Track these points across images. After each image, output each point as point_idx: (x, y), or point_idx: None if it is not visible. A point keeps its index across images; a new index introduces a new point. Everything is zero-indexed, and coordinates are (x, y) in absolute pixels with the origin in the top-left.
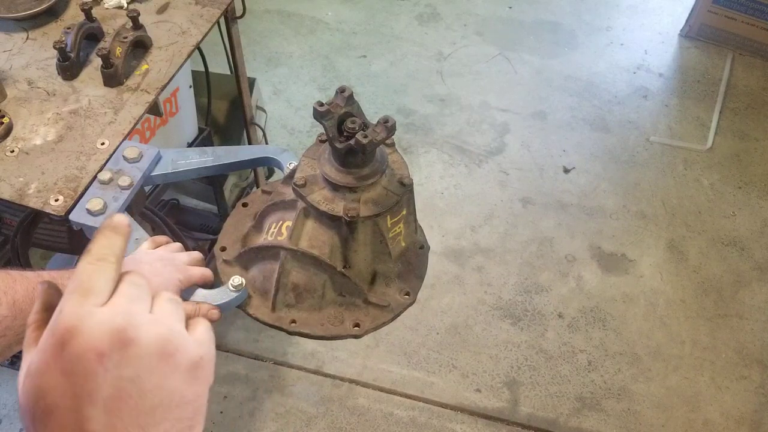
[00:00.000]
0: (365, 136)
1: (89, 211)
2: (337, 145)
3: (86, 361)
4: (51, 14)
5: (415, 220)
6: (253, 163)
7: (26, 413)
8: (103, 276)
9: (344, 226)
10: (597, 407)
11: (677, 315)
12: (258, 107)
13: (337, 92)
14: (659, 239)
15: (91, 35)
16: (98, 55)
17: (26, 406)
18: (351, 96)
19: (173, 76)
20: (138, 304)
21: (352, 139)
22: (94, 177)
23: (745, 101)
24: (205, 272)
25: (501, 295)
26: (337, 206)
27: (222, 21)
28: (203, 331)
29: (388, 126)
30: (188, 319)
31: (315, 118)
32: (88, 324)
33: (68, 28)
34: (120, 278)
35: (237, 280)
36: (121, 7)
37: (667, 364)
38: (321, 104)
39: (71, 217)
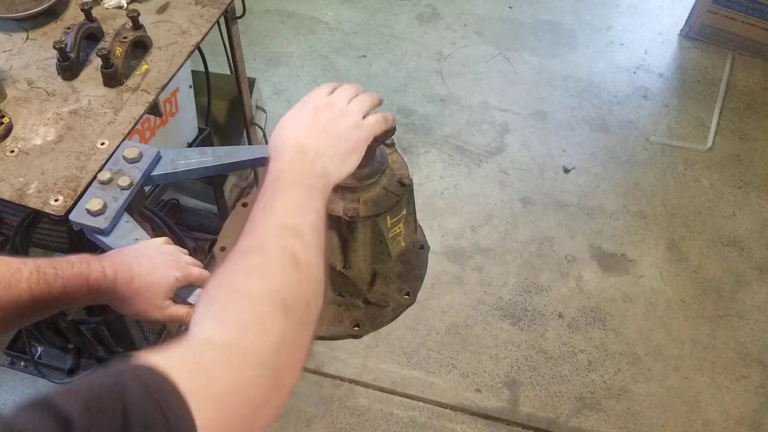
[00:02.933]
0: None
1: (89, 211)
2: None
3: (309, 108)
4: (51, 14)
5: (415, 220)
6: (253, 164)
7: (274, 142)
8: (345, 94)
9: (344, 226)
10: (597, 407)
11: (677, 315)
12: (258, 107)
13: None
14: (659, 239)
15: (91, 35)
16: (98, 55)
17: (275, 136)
18: None
19: (173, 76)
20: (349, 104)
21: None
22: (94, 177)
23: (745, 101)
24: (203, 273)
25: (501, 295)
26: (337, 206)
27: (222, 21)
28: (371, 117)
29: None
30: None
31: None
32: (316, 95)
33: (68, 28)
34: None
35: None
36: (121, 7)
37: (667, 364)
38: None
39: (71, 216)
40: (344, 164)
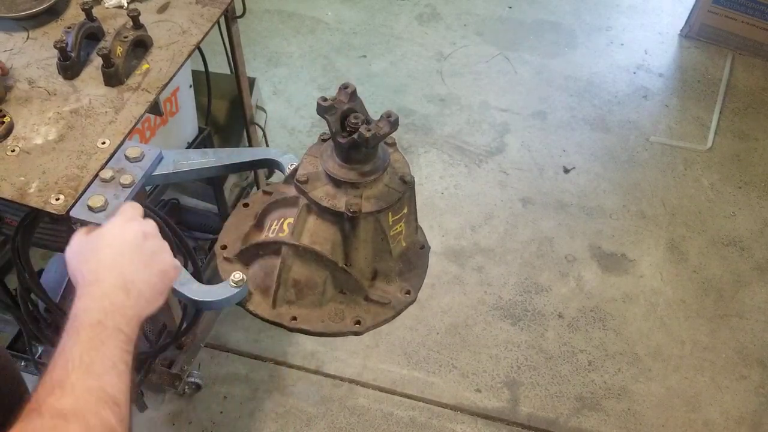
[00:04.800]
0: (369, 130)
1: (90, 208)
2: (340, 139)
3: (136, 230)
4: (51, 14)
5: (416, 220)
6: (255, 165)
7: (90, 263)
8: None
9: (346, 223)
10: (597, 407)
11: (677, 315)
12: (258, 107)
13: (340, 88)
14: (659, 239)
15: (92, 35)
16: (99, 55)
17: (92, 251)
18: (354, 92)
19: (174, 76)
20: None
21: (356, 133)
22: (95, 176)
23: (745, 101)
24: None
25: (501, 295)
26: (339, 202)
27: (222, 21)
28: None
29: (391, 121)
30: None
31: (318, 113)
32: (134, 214)
33: (69, 28)
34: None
35: (238, 275)
36: (121, 7)
37: (667, 364)
38: (324, 99)
39: (72, 213)
40: (155, 305)
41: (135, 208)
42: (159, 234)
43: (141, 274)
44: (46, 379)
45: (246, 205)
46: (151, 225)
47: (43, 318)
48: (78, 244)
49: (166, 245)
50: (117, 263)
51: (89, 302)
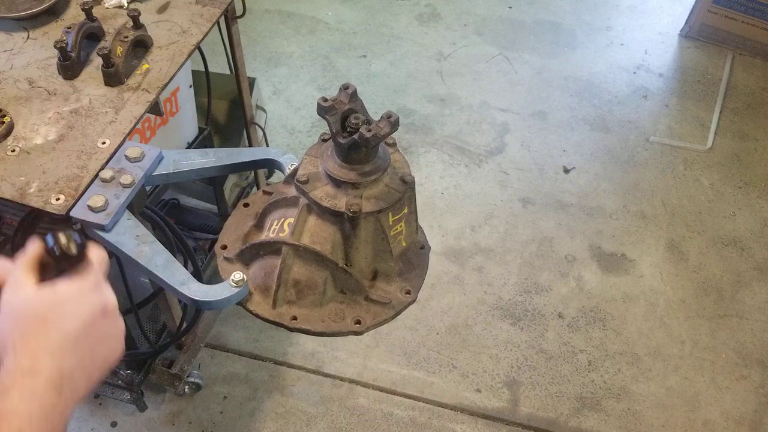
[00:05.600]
0: (369, 130)
1: (90, 208)
2: (341, 140)
3: (87, 310)
4: (51, 14)
5: (416, 220)
6: (255, 165)
7: (27, 330)
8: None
9: (346, 223)
10: (597, 407)
11: (677, 315)
12: (258, 107)
13: (340, 89)
14: (659, 239)
15: (92, 35)
16: (99, 55)
17: (29, 317)
18: (354, 93)
19: (174, 76)
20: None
21: (356, 134)
22: (95, 176)
23: (745, 101)
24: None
25: (501, 295)
26: (340, 202)
27: (222, 21)
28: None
29: (392, 121)
30: None
31: (319, 113)
32: (97, 284)
33: (69, 28)
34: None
35: (238, 275)
36: (121, 7)
37: (667, 364)
38: (325, 100)
39: (72, 213)
40: (83, 398)
41: (102, 264)
42: (117, 308)
43: (82, 365)
44: None
45: (246, 205)
46: (112, 297)
47: None
48: (25, 304)
49: (121, 324)
50: (61, 350)
51: (15, 403)
